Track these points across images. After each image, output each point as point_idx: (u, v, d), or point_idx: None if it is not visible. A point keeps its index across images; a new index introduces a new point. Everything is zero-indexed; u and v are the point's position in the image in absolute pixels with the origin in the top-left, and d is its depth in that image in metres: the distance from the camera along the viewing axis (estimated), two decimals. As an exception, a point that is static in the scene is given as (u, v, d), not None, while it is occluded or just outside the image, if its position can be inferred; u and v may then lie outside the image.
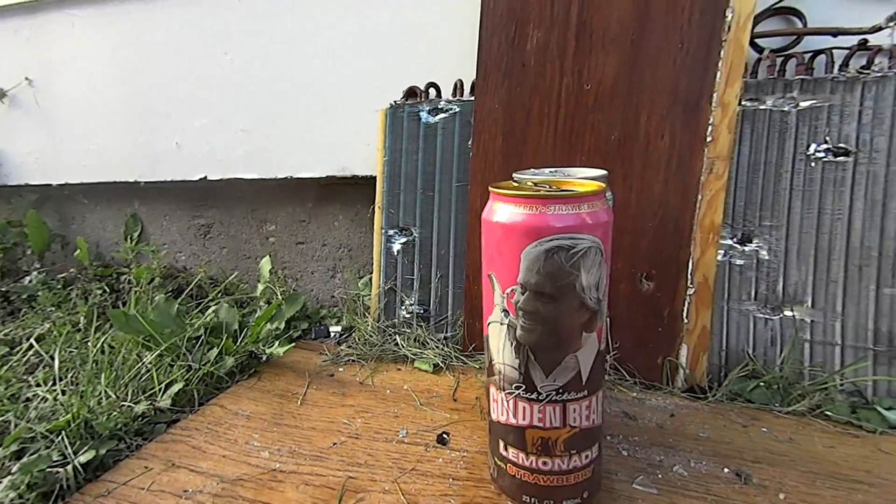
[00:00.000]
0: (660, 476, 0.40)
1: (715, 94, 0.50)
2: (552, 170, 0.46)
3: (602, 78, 0.54)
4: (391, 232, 0.72)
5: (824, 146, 0.50)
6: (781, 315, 0.52)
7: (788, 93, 0.51)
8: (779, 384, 0.48)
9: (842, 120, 0.49)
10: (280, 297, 0.80)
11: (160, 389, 0.55)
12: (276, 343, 0.64)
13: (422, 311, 0.70)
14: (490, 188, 0.35)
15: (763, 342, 0.52)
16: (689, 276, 0.52)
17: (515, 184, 0.36)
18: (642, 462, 0.42)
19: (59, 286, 0.95)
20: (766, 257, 0.52)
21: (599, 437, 0.37)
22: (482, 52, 0.60)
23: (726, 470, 0.40)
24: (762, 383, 0.48)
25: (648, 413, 0.49)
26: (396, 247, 0.72)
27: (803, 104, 0.51)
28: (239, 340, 0.65)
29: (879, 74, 0.48)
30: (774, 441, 0.43)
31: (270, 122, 0.88)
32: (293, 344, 0.62)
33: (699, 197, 0.51)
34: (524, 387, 0.35)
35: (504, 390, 0.36)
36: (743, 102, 0.52)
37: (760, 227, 0.53)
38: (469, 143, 0.65)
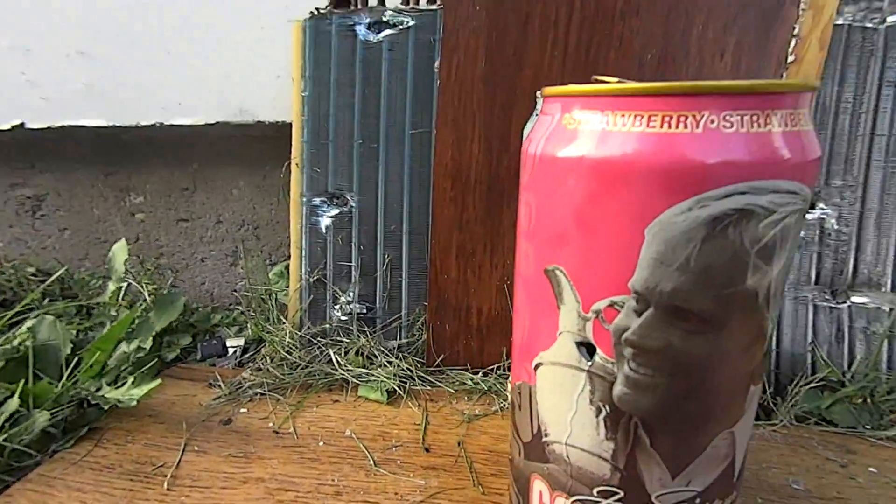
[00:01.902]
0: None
1: (802, -7, 0.35)
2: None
3: (636, -33, 0.37)
4: (316, 201, 0.50)
5: (922, 75, 0.38)
6: (849, 302, 0.40)
7: (875, 2, 0.38)
8: (865, 398, 0.37)
9: (939, 42, 0.37)
10: (147, 300, 0.54)
11: None
12: (132, 380, 0.39)
13: (364, 312, 0.50)
14: (549, 90, 0.16)
15: (825, 338, 0.41)
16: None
17: (606, 79, 0.17)
18: (740, 548, 0.27)
19: None
20: (835, 227, 0.40)
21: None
22: (454, -78, 0.40)
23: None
24: (844, 398, 0.36)
25: (707, 451, 0.35)
26: (325, 221, 0.50)
27: (892, 18, 0.38)
28: (65, 378, 0.40)
29: None
30: (896, 488, 0.31)
31: (123, 40, 0.59)
32: (158, 381, 0.38)
33: (766, 145, 0.37)
34: (621, 494, 0.17)
35: (572, 495, 0.18)
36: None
37: (828, 187, 0.40)
38: (435, 65, 0.44)
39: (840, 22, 0.38)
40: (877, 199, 0.39)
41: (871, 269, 0.40)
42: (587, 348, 0.16)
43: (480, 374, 0.45)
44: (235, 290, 0.70)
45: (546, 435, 0.19)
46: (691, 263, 0.14)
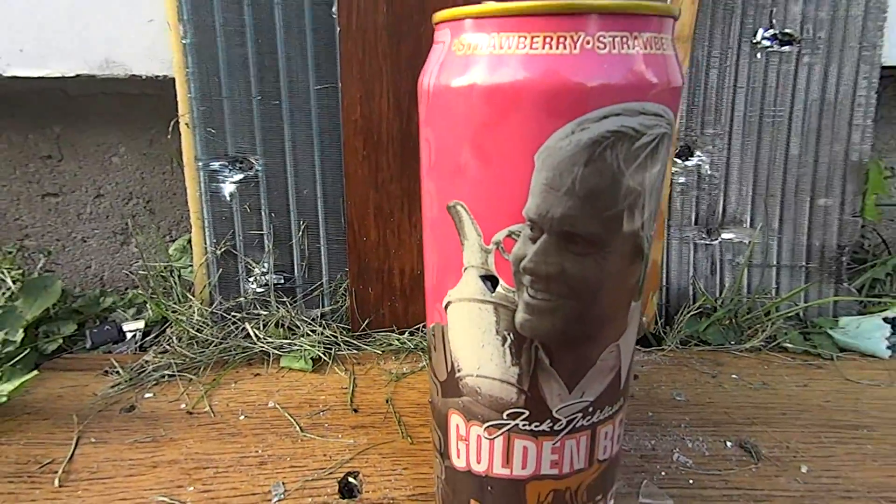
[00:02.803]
0: (664, 474, 0.30)
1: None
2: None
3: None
4: (215, 165, 0.45)
5: (770, 31, 0.43)
6: (719, 239, 0.46)
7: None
8: (730, 319, 0.43)
9: (788, -3, 0.42)
10: (12, 287, 0.46)
11: None
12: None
13: (282, 282, 0.47)
14: (439, 14, 0.16)
15: (702, 272, 0.47)
16: (639, 201, 0.42)
17: (492, 3, 0.17)
18: (634, 455, 0.31)
19: None
20: (708, 172, 0.45)
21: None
22: None
23: (729, 444, 0.32)
24: (716, 321, 0.42)
25: (609, 376, 0.39)
26: (228, 188, 0.46)
27: (751, -20, 0.42)
28: None
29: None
30: (751, 390, 0.37)
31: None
32: (34, 372, 0.33)
33: (653, 97, 0.40)
34: (527, 413, 0.19)
35: (484, 422, 0.19)
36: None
37: (703, 135, 0.45)
38: (333, 10, 0.41)
39: (711, -18, 0.42)
40: (739, 146, 0.45)
41: (734, 209, 0.46)
42: (491, 281, 0.17)
43: (407, 333, 0.46)
44: (130, 272, 0.63)
45: (459, 371, 0.19)
46: (576, 187, 0.15)
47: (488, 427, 0.19)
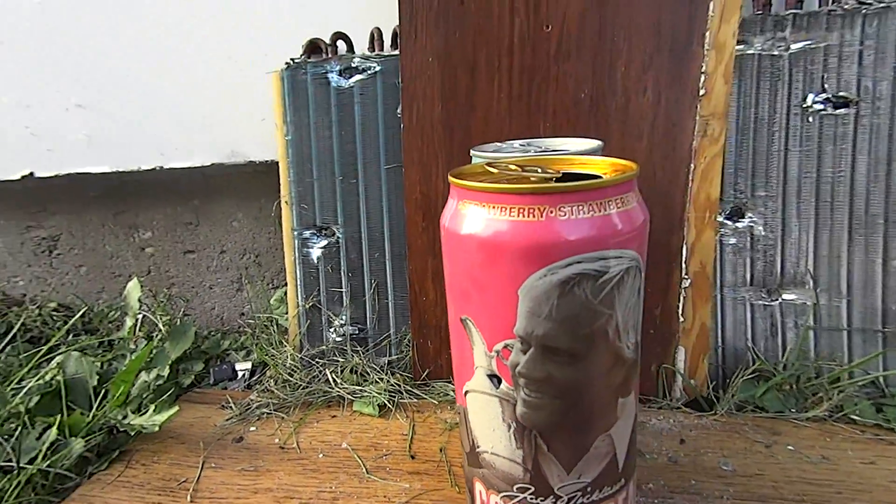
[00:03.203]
0: (697, 545, 0.30)
1: (708, 33, 0.39)
2: (522, 142, 0.33)
3: (566, 15, 0.42)
4: (306, 233, 0.55)
5: (822, 96, 0.42)
6: (780, 300, 0.45)
7: (779, 32, 0.42)
8: (791, 385, 0.41)
9: (840, 63, 0.41)
10: (162, 330, 0.60)
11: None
12: (153, 408, 0.45)
13: (357, 332, 0.55)
14: (451, 178, 0.21)
15: (762, 333, 0.45)
16: (684, 265, 0.43)
17: (492, 169, 0.22)
18: (668, 523, 0.32)
19: None
20: (762, 233, 0.45)
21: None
22: (405, -14, 0.44)
23: (772, 521, 0.31)
24: (774, 386, 0.41)
25: (654, 441, 0.40)
26: (316, 252, 0.55)
27: (795, 46, 0.42)
28: (95, 408, 0.46)
29: (882, 5, 0.40)
30: (808, 463, 0.36)
31: (118, 93, 0.65)
32: (177, 408, 0.44)
33: (692, 167, 0.41)
34: (533, 489, 0.22)
35: (500, 492, 0.23)
36: (727, 48, 0.42)
37: (754, 198, 0.45)
38: (398, 111, 0.49)
39: (752, 51, 0.43)
40: (794, 208, 0.44)
41: (794, 270, 0.44)
42: (496, 379, 0.22)
43: (462, 381, 0.50)
44: (243, 314, 0.76)
45: (478, 447, 0.24)
46: (553, 314, 0.19)
47: (503, 496, 0.23)
